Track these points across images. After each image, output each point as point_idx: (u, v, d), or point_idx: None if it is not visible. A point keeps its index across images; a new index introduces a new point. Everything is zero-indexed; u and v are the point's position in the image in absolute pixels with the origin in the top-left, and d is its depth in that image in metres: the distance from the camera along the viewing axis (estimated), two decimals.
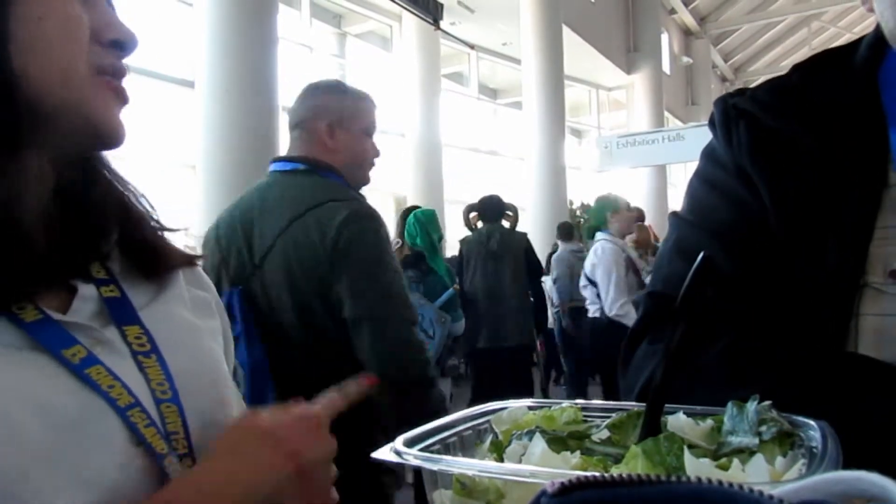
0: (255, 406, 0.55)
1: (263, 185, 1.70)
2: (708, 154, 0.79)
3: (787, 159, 0.70)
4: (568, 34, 10.65)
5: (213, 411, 0.56)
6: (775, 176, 0.71)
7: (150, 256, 0.59)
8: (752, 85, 0.85)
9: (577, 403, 0.59)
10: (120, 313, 0.54)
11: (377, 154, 1.75)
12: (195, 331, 0.59)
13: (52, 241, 0.49)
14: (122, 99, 0.54)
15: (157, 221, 0.61)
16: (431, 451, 0.50)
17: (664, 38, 15.30)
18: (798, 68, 0.78)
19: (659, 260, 0.81)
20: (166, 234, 0.61)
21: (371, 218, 1.59)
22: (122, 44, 0.54)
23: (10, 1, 0.47)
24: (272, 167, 1.73)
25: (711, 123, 0.79)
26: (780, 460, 0.46)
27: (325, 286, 1.53)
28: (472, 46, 12.05)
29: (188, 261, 0.63)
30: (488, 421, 0.58)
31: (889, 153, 0.66)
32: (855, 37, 0.74)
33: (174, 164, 6.77)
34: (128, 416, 0.48)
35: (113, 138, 0.54)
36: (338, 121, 1.66)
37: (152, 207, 0.61)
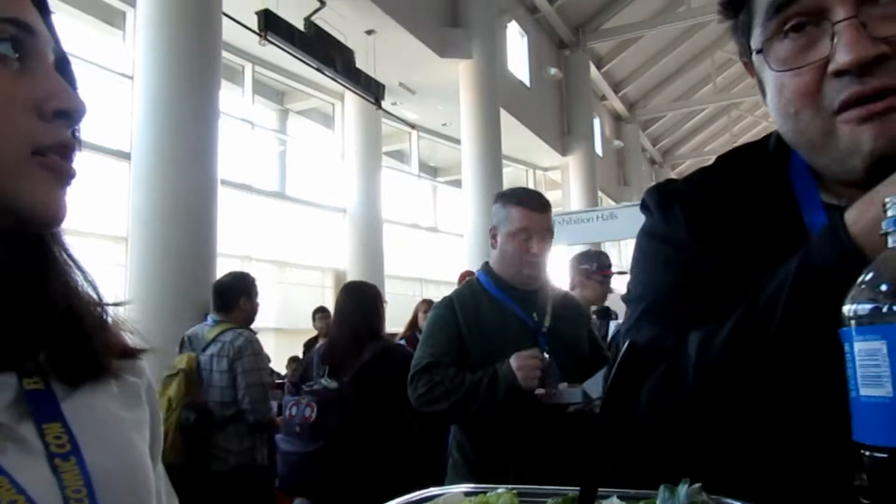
0: None
1: None
2: (645, 233, 0.84)
3: (720, 229, 0.75)
4: (505, 116, 11.03)
5: None
6: (711, 244, 0.75)
7: (88, 350, 0.54)
8: (678, 168, 0.92)
9: (513, 489, 0.58)
10: (41, 409, 0.49)
11: None
12: (120, 424, 0.55)
13: None
14: (63, 177, 0.50)
15: (103, 308, 0.56)
16: None
17: (596, 122, 16.03)
18: (720, 159, 0.85)
19: (625, 336, 0.83)
20: (111, 321, 0.57)
21: None
22: (66, 114, 0.50)
23: None
24: None
25: (645, 208, 0.85)
26: None
27: None
28: (412, 126, 12.35)
29: (130, 355, 0.58)
30: None
31: (806, 234, 0.71)
32: (770, 124, 0.81)
33: (103, 237, 6.58)
34: None
35: (49, 221, 0.50)
36: None
37: (99, 293, 0.56)
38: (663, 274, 0.80)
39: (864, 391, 0.45)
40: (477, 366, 1.99)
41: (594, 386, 1.91)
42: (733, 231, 0.74)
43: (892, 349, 0.44)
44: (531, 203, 2.13)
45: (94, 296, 0.56)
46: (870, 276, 0.47)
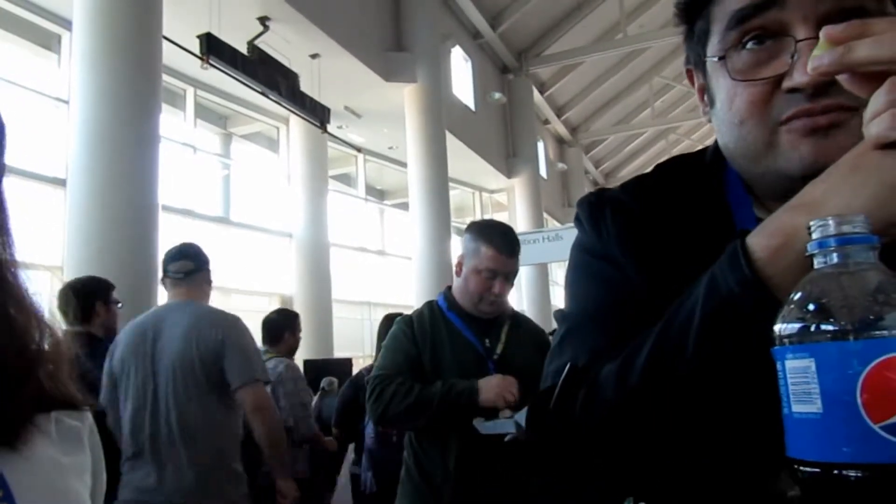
0: None
1: None
2: (576, 246, 0.85)
3: (651, 244, 0.76)
4: (451, 140, 11.13)
5: None
6: (642, 258, 0.76)
7: (28, 396, 0.51)
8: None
9: None
10: None
11: None
12: (59, 471, 0.52)
13: None
14: None
15: (42, 348, 0.53)
16: None
17: (540, 145, 16.33)
18: (658, 167, 0.86)
19: (549, 356, 0.83)
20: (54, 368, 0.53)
21: None
22: None
23: None
24: None
25: (577, 220, 0.85)
26: None
27: None
28: (358, 150, 12.33)
29: (70, 405, 0.55)
30: None
31: None
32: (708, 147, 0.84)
33: (38, 267, 6.33)
34: None
35: None
36: None
37: (44, 329, 0.53)
38: (591, 292, 0.80)
39: (795, 408, 0.47)
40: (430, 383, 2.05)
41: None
42: (665, 243, 0.75)
43: (821, 367, 0.45)
44: (502, 247, 2.14)
45: (38, 337, 0.53)
46: (798, 295, 0.49)
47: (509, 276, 2.17)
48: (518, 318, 2.28)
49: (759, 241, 0.59)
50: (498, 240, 2.15)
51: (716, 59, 0.72)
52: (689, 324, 0.62)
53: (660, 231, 0.76)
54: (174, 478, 2.42)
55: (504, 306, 2.22)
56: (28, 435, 0.50)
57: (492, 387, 2.00)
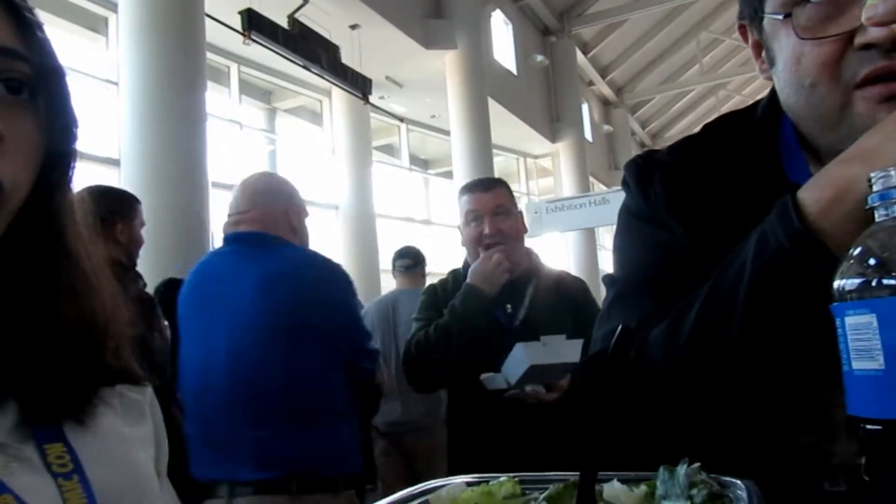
0: None
1: None
2: (624, 210, 0.83)
3: (700, 206, 0.74)
4: (494, 106, 11.01)
5: None
6: (691, 221, 0.74)
7: (94, 372, 0.54)
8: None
9: (515, 476, 0.59)
10: (41, 430, 0.49)
11: None
12: (124, 442, 0.55)
13: None
14: None
15: (111, 333, 0.55)
16: None
17: (585, 108, 16.03)
18: (707, 127, 0.83)
19: (598, 321, 0.83)
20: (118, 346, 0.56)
21: None
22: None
23: None
24: None
25: (624, 184, 0.84)
26: None
27: None
28: (401, 119, 12.32)
29: (132, 380, 0.58)
30: (427, 501, 0.57)
31: None
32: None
33: None
34: None
35: None
36: None
37: (110, 306, 0.56)
38: (639, 256, 0.79)
39: (856, 365, 0.46)
40: None
41: (512, 369, 1.88)
42: (715, 204, 0.73)
43: (883, 322, 0.44)
44: (474, 186, 2.15)
45: (104, 315, 0.55)
46: (858, 250, 0.47)
47: (497, 214, 2.07)
48: (548, 277, 2.15)
49: (811, 194, 0.58)
50: (471, 184, 2.17)
51: (780, 16, 0.67)
52: (739, 281, 0.61)
53: (709, 193, 0.74)
54: (412, 409, 3.37)
55: (519, 256, 2.09)
56: (95, 409, 0.53)
57: (483, 272, 1.97)
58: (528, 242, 2.26)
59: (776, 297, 0.59)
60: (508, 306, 2.06)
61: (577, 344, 1.83)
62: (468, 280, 2.01)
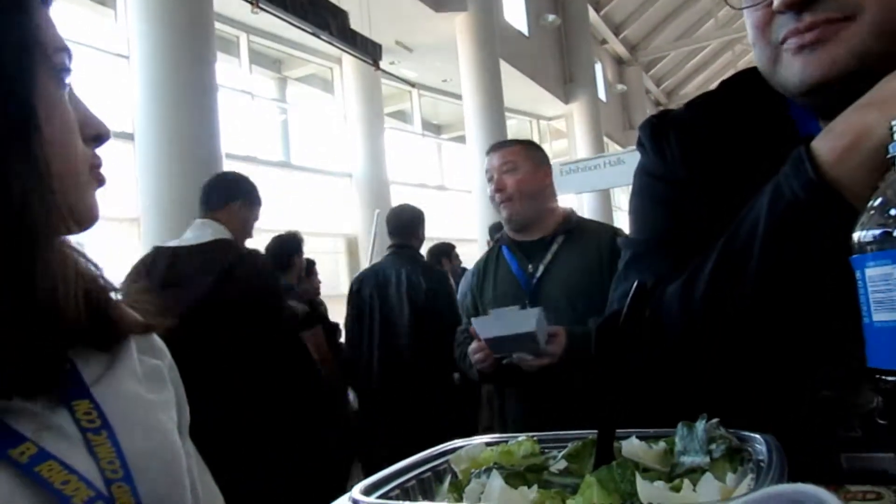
0: None
1: None
2: (640, 171, 0.84)
3: (716, 162, 0.75)
4: (505, 68, 10.87)
5: (167, 492, 0.53)
6: (707, 178, 0.75)
7: (103, 325, 0.55)
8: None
9: (534, 436, 0.59)
10: (69, 387, 0.51)
11: None
12: (148, 406, 0.56)
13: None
14: (101, 186, 0.58)
15: (109, 284, 0.58)
16: (390, 498, 0.50)
17: (598, 67, 15.78)
18: (724, 83, 0.84)
19: (614, 282, 0.84)
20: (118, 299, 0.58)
21: None
22: (100, 137, 0.59)
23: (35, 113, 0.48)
24: None
25: (640, 144, 0.84)
26: (730, 476, 0.47)
27: None
28: (412, 84, 12.20)
29: (143, 329, 0.60)
30: (447, 461, 0.58)
31: None
32: None
33: (115, 220, 6.62)
34: None
35: (92, 223, 0.57)
36: None
37: (100, 268, 0.58)
38: (655, 216, 0.80)
39: (876, 317, 0.45)
40: None
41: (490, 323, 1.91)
42: (732, 161, 0.74)
43: None
44: (490, 148, 2.24)
45: (100, 273, 0.57)
46: (878, 201, 0.46)
47: (505, 171, 2.11)
48: (577, 230, 2.09)
49: (826, 143, 0.58)
50: (488, 148, 2.26)
51: None
52: (754, 234, 0.61)
53: (726, 150, 0.75)
54: None
55: (529, 208, 2.08)
56: (120, 367, 0.55)
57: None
58: None
59: (790, 249, 0.59)
60: (530, 266, 2.07)
61: (530, 314, 1.83)
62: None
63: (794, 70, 0.67)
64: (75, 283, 0.52)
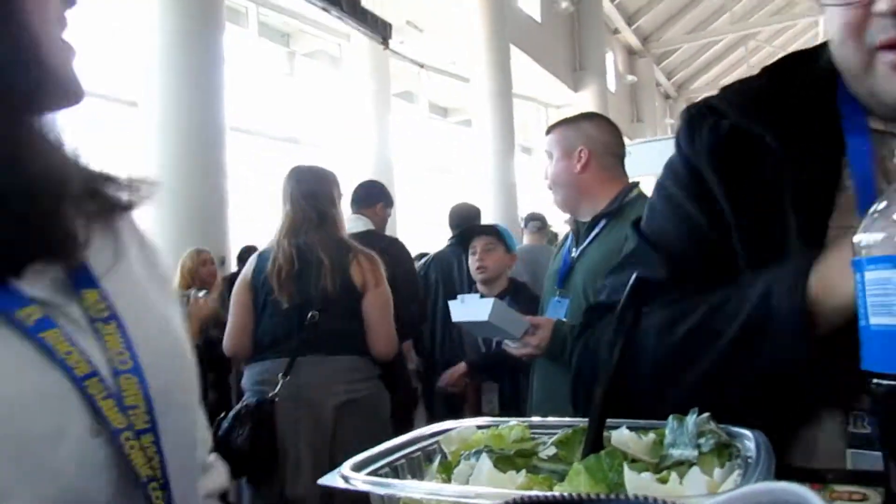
0: None
1: None
2: (668, 166, 0.83)
3: (746, 159, 0.74)
4: (515, 52, 10.79)
5: (176, 386, 0.52)
6: (733, 176, 0.74)
7: (101, 199, 0.55)
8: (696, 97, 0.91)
9: (524, 421, 0.59)
10: (78, 277, 0.50)
11: None
12: (157, 300, 0.56)
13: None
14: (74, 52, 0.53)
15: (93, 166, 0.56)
16: (379, 475, 0.50)
17: (609, 56, 15.66)
18: (767, 70, 0.82)
19: (615, 269, 0.85)
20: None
21: None
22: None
23: None
24: None
25: (676, 133, 0.83)
26: (717, 471, 0.47)
27: None
28: (421, 65, 12.12)
29: (128, 205, 0.59)
30: (437, 441, 0.59)
31: (844, 157, 0.70)
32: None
33: None
34: (85, 388, 0.44)
35: (80, 95, 0.53)
36: None
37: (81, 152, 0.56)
38: (668, 224, 0.81)
39: (873, 320, 0.46)
40: None
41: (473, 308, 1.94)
42: (763, 157, 0.73)
43: None
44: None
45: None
46: (882, 205, 0.46)
47: (549, 159, 2.09)
48: (618, 213, 1.97)
49: (824, 282, 0.61)
50: None
51: None
52: (733, 319, 0.65)
53: (758, 148, 0.73)
54: None
55: (571, 193, 2.04)
56: (128, 259, 0.56)
57: None
58: (548, 193, 2.23)
59: (757, 350, 0.64)
60: (574, 249, 2.01)
61: (486, 303, 1.87)
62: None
63: (892, 86, 0.66)
64: (69, 160, 0.51)
